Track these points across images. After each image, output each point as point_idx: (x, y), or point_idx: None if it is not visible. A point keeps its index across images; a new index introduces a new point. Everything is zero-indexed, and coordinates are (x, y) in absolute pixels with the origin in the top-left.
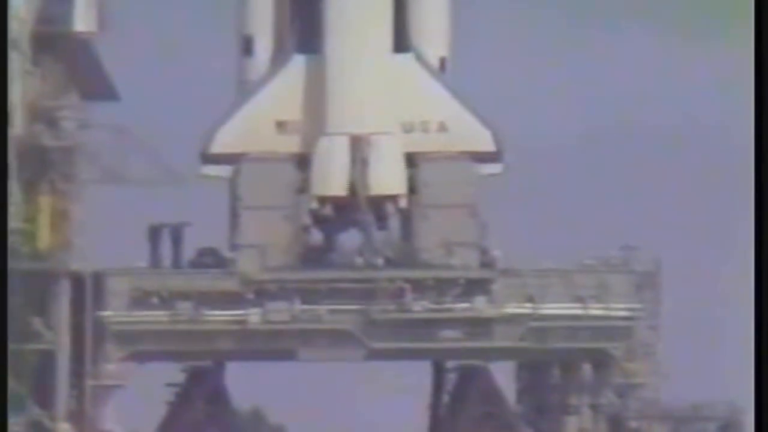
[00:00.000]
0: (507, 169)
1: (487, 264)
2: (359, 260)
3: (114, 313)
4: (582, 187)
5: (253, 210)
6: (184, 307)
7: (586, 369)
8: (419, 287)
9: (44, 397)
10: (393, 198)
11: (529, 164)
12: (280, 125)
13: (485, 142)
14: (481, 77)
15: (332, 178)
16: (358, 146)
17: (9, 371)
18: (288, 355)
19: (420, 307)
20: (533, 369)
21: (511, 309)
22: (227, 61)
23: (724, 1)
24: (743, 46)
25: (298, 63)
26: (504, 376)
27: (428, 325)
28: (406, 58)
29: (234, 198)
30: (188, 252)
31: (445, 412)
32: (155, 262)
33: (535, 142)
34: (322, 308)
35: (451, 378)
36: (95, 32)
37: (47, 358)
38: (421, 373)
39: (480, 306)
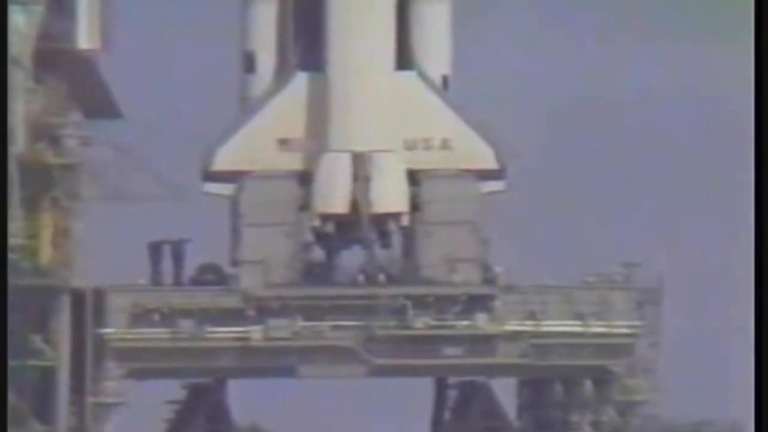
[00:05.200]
0: (509, 186)
1: (488, 281)
2: (361, 277)
3: (115, 330)
4: (584, 204)
5: (255, 227)
6: (186, 324)
7: (588, 386)
8: (421, 304)
9: (45, 413)
10: (395, 216)
11: (531, 181)
12: (283, 142)
13: (488, 160)
14: (483, 95)
15: (334, 195)
16: (361, 163)
17: (10, 388)
18: (290, 372)
19: (422, 324)
20: (534, 385)
21: (513, 326)
22: (230, 79)
23: (723, 3)
24: (744, 51)
25: (300, 80)
26: (505, 392)
27: (430, 342)
28: (409, 76)
29: (236, 215)
30: (189, 269)
31: (447, 429)
32: (156, 279)
33: (537, 159)
34: (324, 325)
35: (452, 394)
36: (98, 50)
37: (48, 375)
38: (423, 389)
39: (481, 323)
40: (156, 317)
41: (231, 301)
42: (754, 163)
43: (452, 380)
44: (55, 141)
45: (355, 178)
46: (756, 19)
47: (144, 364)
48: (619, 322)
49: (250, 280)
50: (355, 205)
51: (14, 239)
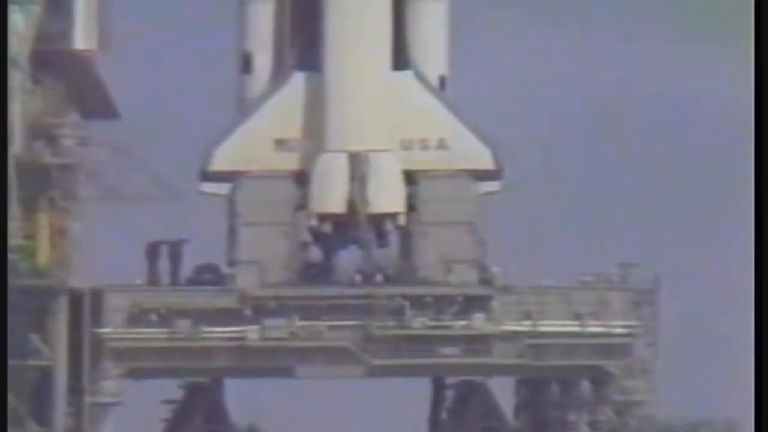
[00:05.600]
0: (506, 187)
1: (485, 281)
2: (358, 277)
3: (112, 330)
4: (581, 205)
5: (252, 227)
6: (183, 324)
7: (585, 386)
8: (418, 304)
9: (42, 413)
10: (392, 215)
11: (528, 181)
12: (280, 143)
13: (485, 160)
14: (480, 95)
15: (331, 195)
16: (357, 163)
17: (8, 387)
18: (287, 372)
19: (419, 324)
20: (532, 385)
21: (510, 326)
22: (227, 79)
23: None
24: (744, 52)
25: (297, 80)
26: (503, 392)
27: (427, 342)
28: (406, 76)
29: (233, 215)
30: (187, 269)
31: (444, 429)
32: (153, 279)
33: (534, 159)
34: (321, 325)
35: (450, 394)
36: (95, 50)
37: (45, 375)
38: (421, 389)
39: (479, 323)
40: (153, 317)
41: (228, 301)
42: (753, 163)
43: (450, 380)
44: (52, 141)
45: (352, 178)
46: (756, 19)
47: (141, 364)
48: (616, 323)
49: (247, 280)
50: (352, 205)
51: (12, 239)
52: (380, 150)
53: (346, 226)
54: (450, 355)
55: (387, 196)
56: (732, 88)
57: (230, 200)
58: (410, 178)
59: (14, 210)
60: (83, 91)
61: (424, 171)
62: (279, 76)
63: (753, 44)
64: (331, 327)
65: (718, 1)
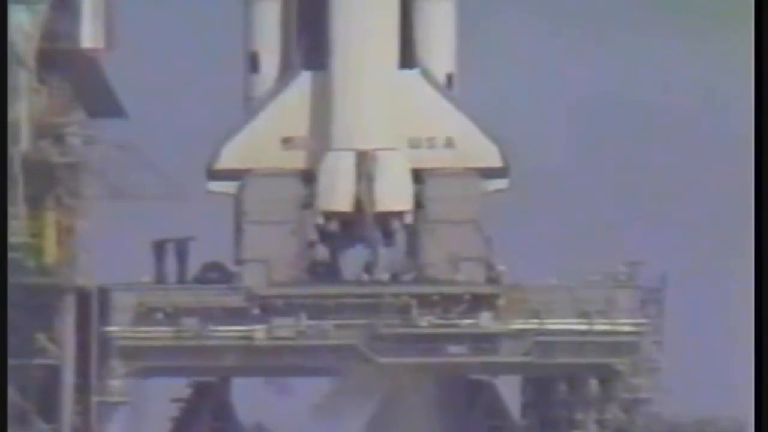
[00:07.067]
0: (513, 185)
1: (492, 279)
2: (365, 275)
3: (119, 329)
4: (588, 203)
5: (259, 225)
6: (189, 322)
7: (592, 384)
8: (425, 302)
9: (50, 412)
10: (399, 214)
11: (535, 180)
12: (287, 141)
13: (492, 158)
14: (487, 93)
15: (338, 193)
16: (364, 162)
17: (15, 386)
18: (294, 371)
19: (426, 323)
20: (539, 384)
21: (517, 324)
22: (234, 78)
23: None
24: (744, 53)
25: (304, 79)
26: (510, 390)
27: (434, 340)
28: (413, 75)
29: (240, 213)
30: (193, 267)
31: (451, 427)
32: (160, 277)
33: (541, 157)
34: (328, 323)
35: (457, 393)
36: (102, 49)
37: (52, 374)
38: (428, 388)
39: (485, 321)
40: (160, 316)
41: (235, 300)
42: (754, 163)
43: (456, 379)
44: (59, 140)
45: (359, 176)
46: (756, 19)
47: (148, 363)
48: (622, 321)
49: (253, 279)
50: (358, 203)
51: (19, 238)
52: (387, 148)
53: (353, 225)
54: (457, 353)
55: (394, 195)
56: (734, 88)
57: (237, 199)
58: (417, 176)
59: (20, 208)
60: (90, 90)
61: (432, 169)
62: (286, 74)
63: (753, 44)
64: (338, 325)
65: (720, 2)
